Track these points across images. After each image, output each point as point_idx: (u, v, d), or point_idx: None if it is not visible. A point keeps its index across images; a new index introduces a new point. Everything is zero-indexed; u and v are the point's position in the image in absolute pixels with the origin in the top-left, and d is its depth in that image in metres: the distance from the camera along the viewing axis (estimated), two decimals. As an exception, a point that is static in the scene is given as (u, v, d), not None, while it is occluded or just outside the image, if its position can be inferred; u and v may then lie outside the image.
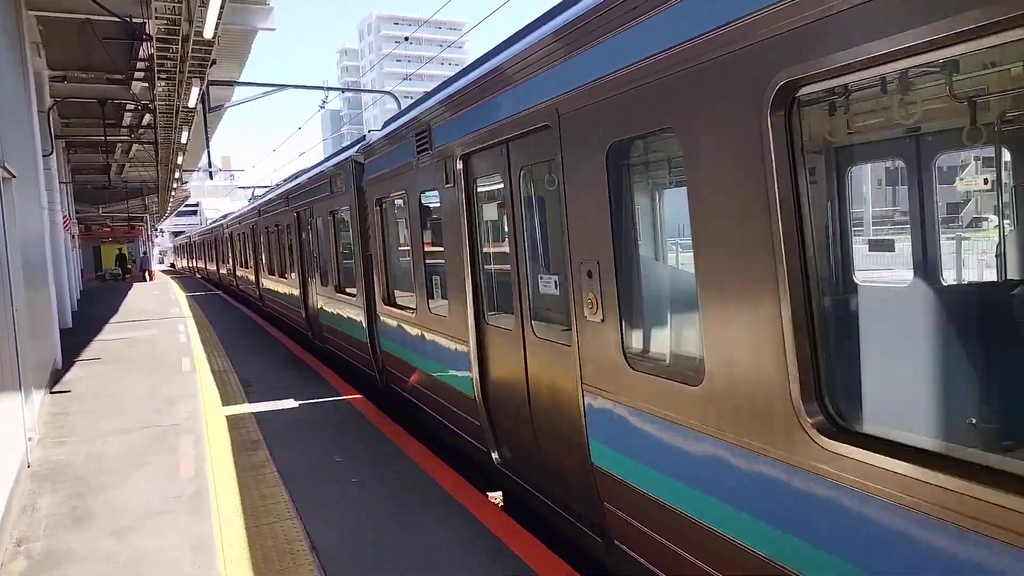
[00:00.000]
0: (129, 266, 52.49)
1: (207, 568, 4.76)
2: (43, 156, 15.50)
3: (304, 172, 15.29)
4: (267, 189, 24.17)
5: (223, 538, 5.20)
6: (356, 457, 6.96)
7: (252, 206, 22.83)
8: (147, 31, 11.69)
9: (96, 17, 13.36)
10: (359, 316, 9.88)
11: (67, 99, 19.46)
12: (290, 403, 9.30)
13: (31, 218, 11.24)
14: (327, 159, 12.97)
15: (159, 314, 22.69)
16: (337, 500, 5.83)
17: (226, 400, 9.66)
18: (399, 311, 8.09)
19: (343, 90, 23.13)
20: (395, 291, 8.60)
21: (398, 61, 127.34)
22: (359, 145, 9.80)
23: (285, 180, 18.85)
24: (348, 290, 10.75)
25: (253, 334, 16.89)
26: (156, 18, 10.36)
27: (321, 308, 12.71)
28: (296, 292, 14.93)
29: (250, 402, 9.46)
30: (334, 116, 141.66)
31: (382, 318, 8.82)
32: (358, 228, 9.46)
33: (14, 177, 8.32)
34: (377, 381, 9.63)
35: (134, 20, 12.78)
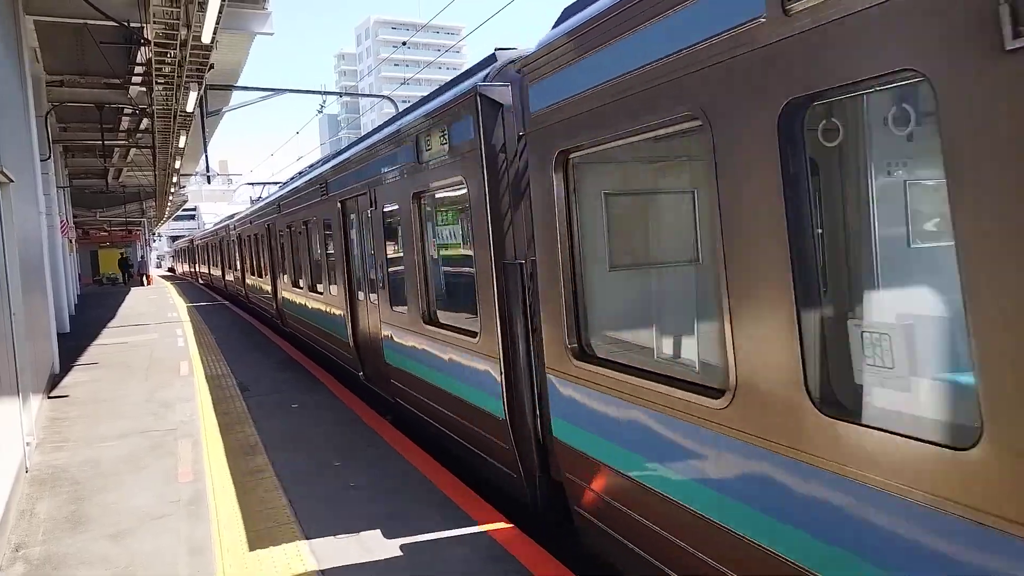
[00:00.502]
0: (131, 269, 52.17)
1: (205, 572, 4.76)
2: (41, 160, 15.50)
3: (352, 146, 10.48)
4: (286, 180, 18.41)
5: (221, 542, 5.20)
6: None
7: (269, 199, 18.26)
8: (145, 36, 11.72)
9: (94, 22, 13.39)
10: (483, 367, 5.75)
11: (65, 103, 19.48)
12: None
13: (29, 223, 11.24)
14: (405, 112, 8.09)
15: (157, 318, 22.66)
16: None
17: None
18: (642, 385, 3.79)
19: (341, 94, 23.20)
20: (609, 333, 4.62)
21: (396, 65, 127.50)
22: (489, 68, 5.82)
23: (318, 162, 13.88)
24: (454, 324, 6.59)
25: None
26: (154, 23, 10.39)
27: (391, 341, 8.23)
28: (338, 313, 10.78)
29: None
30: (332, 121, 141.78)
31: (560, 386, 4.64)
32: (486, 217, 5.46)
33: (12, 182, 8.33)
34: (519, 484, 5.55)
35: (132, 25, 12.79)
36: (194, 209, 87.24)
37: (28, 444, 7.54)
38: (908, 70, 2.24)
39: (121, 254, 54.13)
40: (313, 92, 22.05)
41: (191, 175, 39.09)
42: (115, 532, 5.53)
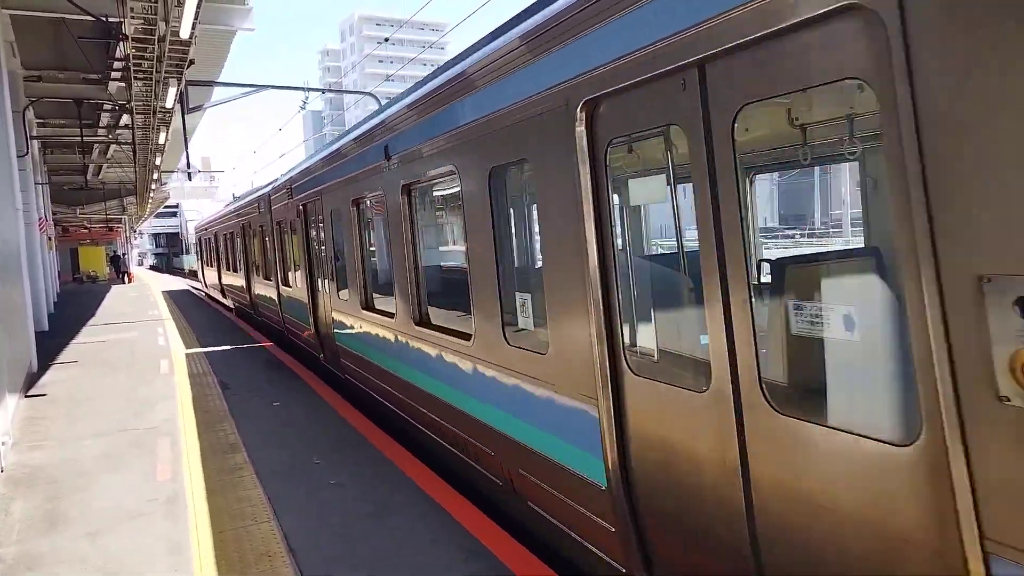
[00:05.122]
0: (125, 267, 48.43)
1: (183, 571, 4.73)
2: (18, 157, 15.30)
3: None
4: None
5: (199, 541, 5.17)
6: None
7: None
8: (123, 31, 11.57)
9: (71, 16, 13.24)
10: None
11: (43, 99, 19.23)
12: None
13: (5, 220, 11.09)
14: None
15: (137, 316, 22.44)
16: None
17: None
18: None
19: (324, 91, 23.06)
20: None
21: (380, 62, 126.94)
22: None
23: None
24: None
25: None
26: (132, 17, 10.28)
27: None
28: None
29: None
30: (315, 117, 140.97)
31: None
32: None
33: (-13, 178, 8.22)
34: None
35: (110, 19, 12.64)
36: (176, 206, 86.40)
37: (3, 444, 7.45)
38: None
39: (114, 252, 53.19)
40: (296, 88, 21.90)
41: (172, 172, 38.73)
42: (92, 531, 5.48)
